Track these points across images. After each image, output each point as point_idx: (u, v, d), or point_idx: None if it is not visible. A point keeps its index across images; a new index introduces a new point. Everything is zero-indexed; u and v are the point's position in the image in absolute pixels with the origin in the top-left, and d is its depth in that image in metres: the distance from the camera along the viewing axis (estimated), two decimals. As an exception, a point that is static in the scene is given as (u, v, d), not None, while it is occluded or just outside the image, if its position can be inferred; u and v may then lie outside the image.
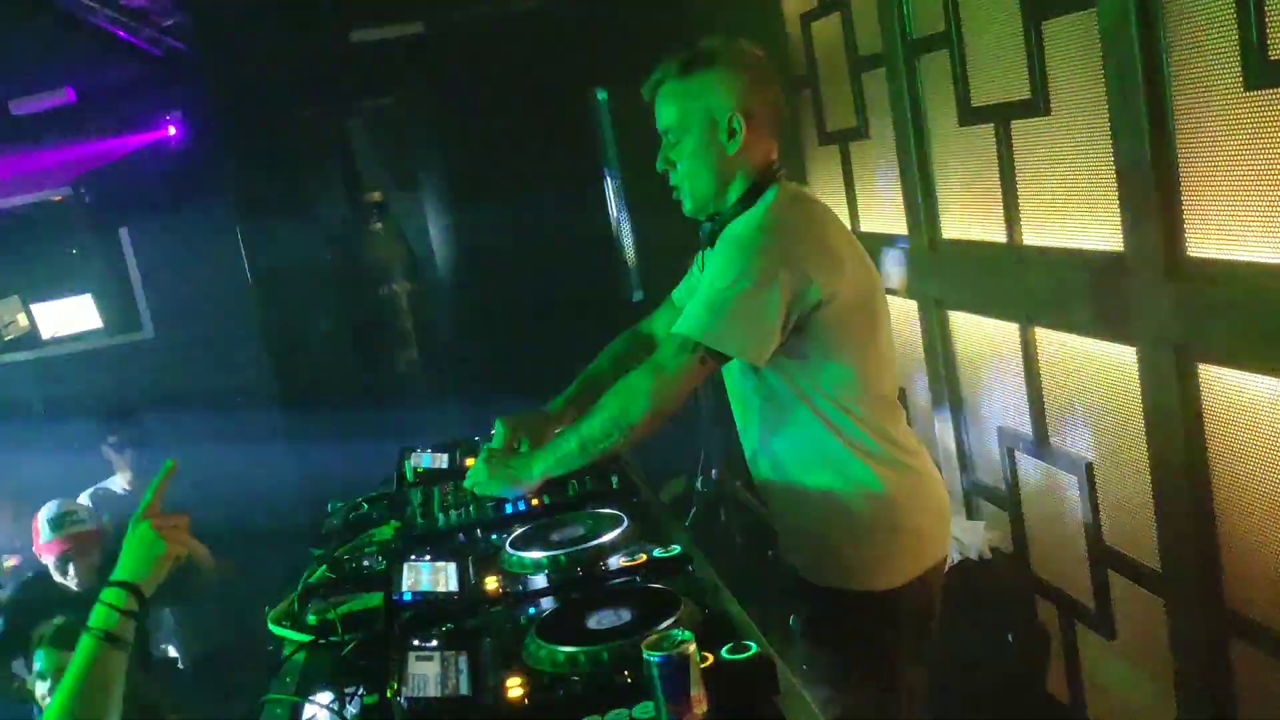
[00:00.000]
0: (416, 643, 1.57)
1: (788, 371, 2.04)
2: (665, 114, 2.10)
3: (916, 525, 2.11)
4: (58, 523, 3.82)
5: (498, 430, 2.35)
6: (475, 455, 2.60)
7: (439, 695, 1.45)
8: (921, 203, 3.33)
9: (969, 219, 3.13)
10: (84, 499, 4.42)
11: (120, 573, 1.64)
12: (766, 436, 2.16)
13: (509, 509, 2.19)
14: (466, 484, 2.23)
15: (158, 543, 1.66)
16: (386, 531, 2.28)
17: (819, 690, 2.09)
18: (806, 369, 2.03)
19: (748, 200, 2.07)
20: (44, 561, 3.87)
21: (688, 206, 2.15)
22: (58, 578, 3.81)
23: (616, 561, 1.83)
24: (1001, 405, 3.14)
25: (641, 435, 2.03)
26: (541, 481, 2.15)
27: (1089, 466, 2.73)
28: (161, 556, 1.66)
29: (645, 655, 1.33)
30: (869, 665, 2.11)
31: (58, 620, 2.94)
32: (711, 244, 2.14)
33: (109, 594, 1.62)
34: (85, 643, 1.59)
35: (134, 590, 1.63)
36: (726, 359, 2.00)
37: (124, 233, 5.28)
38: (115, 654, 1.59)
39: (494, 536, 2.08)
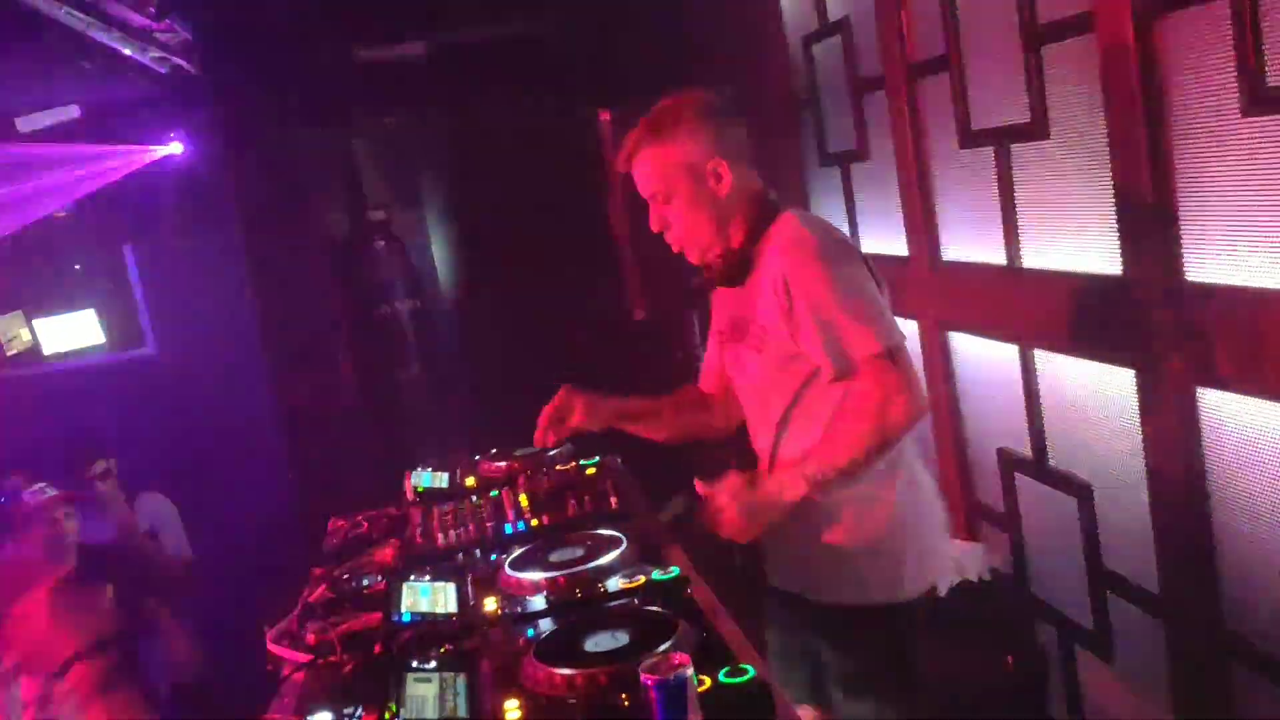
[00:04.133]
0: (415, 664, 1.58)
1: (817, 377, 2.05)
2: (647, 180, 2.17)
3: (924, 535, 2.19)
4: None
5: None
6: (474, 474, 2.62)
7: (437, 717, 1.45)
8: (922, 224, 3.34)
9: (969, 241, 3.14)
10: None
11: None
12: (786, 444, 2.17)
13: (508, 529, 2.19)
14: (722, 534, 2.00)
15: None
16: (386, 550, 2.29)
17: (842, 705, 2.14)
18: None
19: (756, 231, 2.14)
20: None
21: (694, 257, 2.21)
22: None
23: (615, 583, 1.84)
24: (1001, 426, 3.14)
25: None
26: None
27: (1088, 489, 2.73)
28: None
29: (643, 679, 1.33)
30: (891, 675, 2.15)
31: None
32: (731, 280, 2.19)
33: None
34: None
35: None
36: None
37: (127, 249, 5.30)
38: None
39: (493, 556, 2.09)
